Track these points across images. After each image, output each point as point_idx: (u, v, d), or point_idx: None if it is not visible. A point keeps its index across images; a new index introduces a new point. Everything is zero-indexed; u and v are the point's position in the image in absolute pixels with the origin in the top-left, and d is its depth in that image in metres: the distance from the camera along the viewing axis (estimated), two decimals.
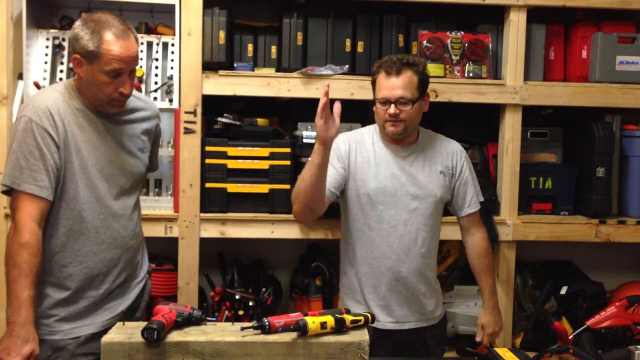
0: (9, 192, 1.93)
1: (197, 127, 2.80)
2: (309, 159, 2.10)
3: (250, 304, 2.87)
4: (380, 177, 2.25)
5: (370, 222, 2.26)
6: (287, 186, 2.80)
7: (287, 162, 2.84)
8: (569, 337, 2.19)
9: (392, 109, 2.19)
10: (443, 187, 2.32)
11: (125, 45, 1.91)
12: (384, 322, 2.28)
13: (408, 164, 2.29)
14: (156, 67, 2.93)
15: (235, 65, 2.88)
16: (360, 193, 2.26)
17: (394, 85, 2.19)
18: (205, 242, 2.84)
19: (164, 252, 2.98)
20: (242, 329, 1.66)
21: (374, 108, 2.27)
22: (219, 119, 2.88)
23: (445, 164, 2.34)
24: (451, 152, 2.38)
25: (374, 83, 2.28)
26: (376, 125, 2.33)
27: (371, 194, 2.24)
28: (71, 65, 2.00)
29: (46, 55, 2.88)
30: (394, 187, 2.25)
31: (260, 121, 2.95)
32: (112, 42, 1.90)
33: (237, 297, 2.88)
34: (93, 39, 1.89)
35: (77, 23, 1.96)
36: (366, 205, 2.26)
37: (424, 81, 2.26)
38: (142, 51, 2.93)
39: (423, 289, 2.30)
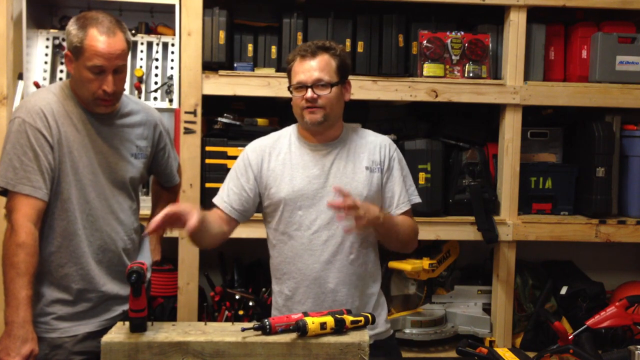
0: (5, 193, 1.92)
1: (197, 127, 2.80)
2: None
3: (250, 304, 2.88)
4: (297, 180, 2.05)
5: (290, 230, 2.06)
6: None
7: None
8: (569, 337, 2.19)
9: (309, 93, 1.98)
10: (370, 185, 2.07)
11: (108, 41, 1.88)
12: None
13: (329, 162, 2.07)
14: (156, 67, 2.93)
15: (235, 65, 2.88)
16: (276, 200, 2.06)
17: (310, 67, 2.00)
18: None
19: (164, 252, 2.93)
20: (243, 329, 1.66)
21: (292, 101, 2.06)
22: (219, 119, 2.88)
23: (372, 158, 2.10)
24: (378, 145, 2.13)
25: (289, 72, 2.06)
26: (294, 126, 2.14)
27: (288, 200, 2.04)
28: None
29: (46, 55, 2.88)
30: (313, 189, 2.04)
31: (260, 121, 2.95)
32: (95, 38, 1.87)
33: (237, 297, 2.89)
34: (78, 35, 1.88)
35: (71, 20, 1.95)
36: (285, 213, 2.06)
37: (343, 66, 2.05)
38: (142, 51, 2.93)
39: (357, 303, 2.06)
